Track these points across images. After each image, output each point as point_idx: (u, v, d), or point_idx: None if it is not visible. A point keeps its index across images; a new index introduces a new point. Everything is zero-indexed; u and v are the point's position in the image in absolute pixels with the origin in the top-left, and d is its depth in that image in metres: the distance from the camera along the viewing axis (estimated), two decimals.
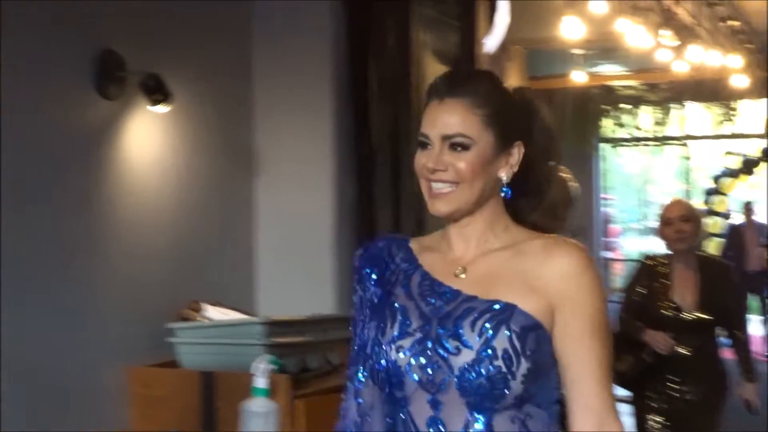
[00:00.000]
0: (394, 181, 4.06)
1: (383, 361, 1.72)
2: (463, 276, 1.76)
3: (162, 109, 3.41)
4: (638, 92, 9.97)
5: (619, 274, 10.81)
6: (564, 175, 5.20)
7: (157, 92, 3.35)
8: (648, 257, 4.49)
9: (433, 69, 4.28)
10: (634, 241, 11.73)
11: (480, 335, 1.67)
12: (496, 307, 1.69)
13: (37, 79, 3.01)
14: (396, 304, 1.76)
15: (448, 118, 1.74)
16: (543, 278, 1.71)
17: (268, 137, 4.04)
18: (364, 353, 1.78)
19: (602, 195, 11.08)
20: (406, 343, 1.72)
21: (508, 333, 1.67)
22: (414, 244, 1.86)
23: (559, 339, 1.71)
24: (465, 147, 1.73)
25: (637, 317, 4.23)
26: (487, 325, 1.68)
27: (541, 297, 1.70)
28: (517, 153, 1.78)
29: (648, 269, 4.33)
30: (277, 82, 4.02)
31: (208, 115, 3.81)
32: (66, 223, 3.12)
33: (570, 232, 4.93)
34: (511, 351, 1.66)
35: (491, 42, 4.91)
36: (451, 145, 1.73)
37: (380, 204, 4.00)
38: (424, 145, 1.76)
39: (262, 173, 4.04)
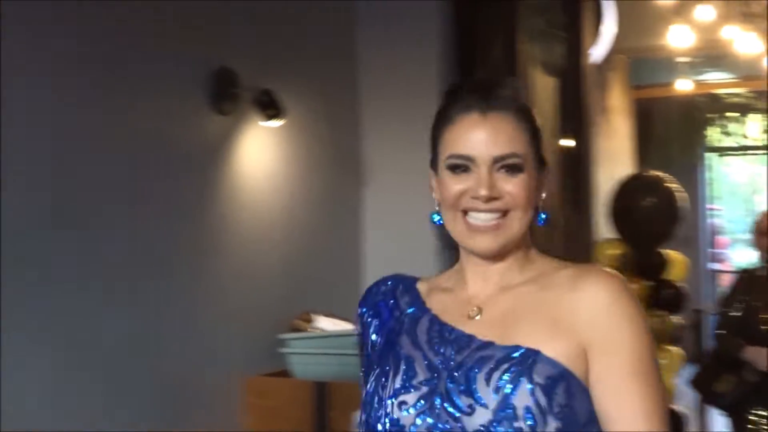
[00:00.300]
0: None
1: (384, 420, 1.46)
2: (477, 318, 1.50)
3: (274, 123, 3.49)
4: (745, 100, 9.73)
5: (727, 286, 10.53)
6: (671, 185, 5.13)
7: (270, 107, 3.43)
8: (744, 270, 4.32)
9: (540, 80, 4.28)
10: (743, 252, 11.45)
11: (497, 391, 1.39)
12: (516, 354, 1.42)
13: (156, 96, 3.11)
14: (400, 354, 1.51)
15: (498, 136, 1.47)
16: (569, 314, 1.44)
17: (375, 148, 4.09)
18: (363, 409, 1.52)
19: (709, 205, 10.85)
20: (411, 398, 1.46)
21: (531, 386, 1.38)
22: (422, 285, 1.61)
23: (596, 387, 1.41)
24: (519, 169, 1.47)
25: (736, 334, 4.07)
26: (505, 377, 1.40)
27: (569, 337, 1.42)
28: (546, 173, 1.54)
29: (745, 282, 4.15)
30: (384, 93, 4.07)
31: (318, 128, 3.87)
32: (182, 235, 3.21)
33: (678, 243, 4.81)
34: (534, 409, 1.38)
35: (597, 52, 4.88)
36: (504, 168, 1.47)
37: None
38: (460, 168, 1.49)
39: (370, 183, 4.09)
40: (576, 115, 4.56)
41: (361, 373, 1.60)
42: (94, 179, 2.86)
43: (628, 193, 4.95)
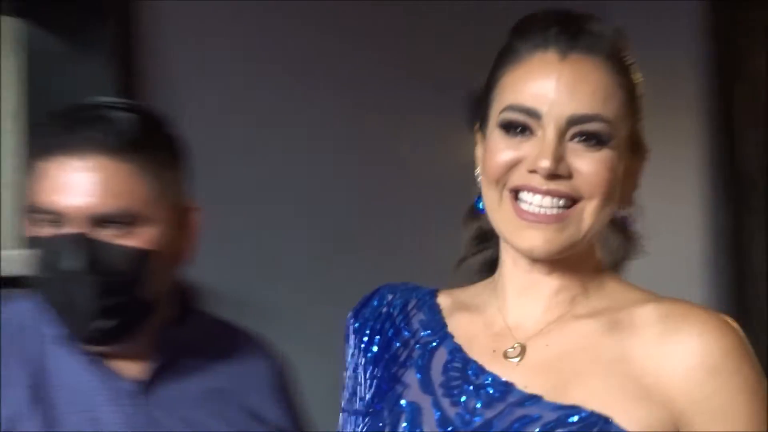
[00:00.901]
0: None
1: None
2: (516, 359, 1.08)
3: None
4: None
5: None
6: None
7: None
8: None
9: None
10: None
11: None
12: (575, 418, 1.00)
13: (418, 119, 3.19)
14: (402, 401, 1.08)
15: (579, 87, 1.04)
16: (657, 371, 1.02)
17: None
18: None
19: None
20: None
21: None
22: (443, 299, 1.21)
23: None
24: (602, 140, 1.06)
25: None
26: None
27: (653, 404, 1.01)
28: (642, 161, 1.11)
29: None
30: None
31: None
32: (439, 254, 3.19)
33: None
34: None
35: None
36: (581, 135, 1.06)
37: (757, 240, 3.80)
38: (518, 128, 1.08)
39: None
40: None
41: (343, 412, 1.19)
42: (365, 200, 3.02)
43: None
